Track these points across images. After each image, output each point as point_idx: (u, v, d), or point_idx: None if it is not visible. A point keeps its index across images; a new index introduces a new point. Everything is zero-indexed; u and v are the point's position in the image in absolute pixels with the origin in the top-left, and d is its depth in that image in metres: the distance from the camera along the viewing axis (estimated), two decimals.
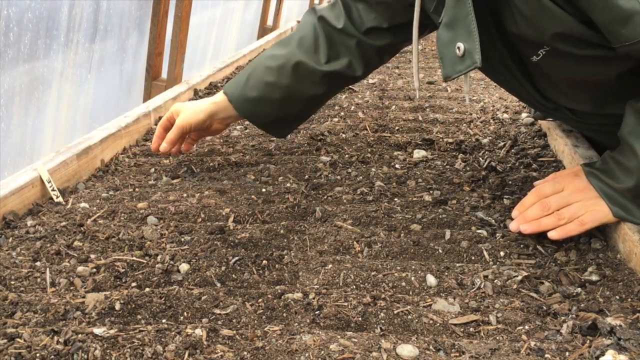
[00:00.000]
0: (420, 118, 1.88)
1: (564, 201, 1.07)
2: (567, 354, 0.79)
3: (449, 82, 2.36)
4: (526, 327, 0.86)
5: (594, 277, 0.98)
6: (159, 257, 1.04)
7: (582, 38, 1.00)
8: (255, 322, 0.88)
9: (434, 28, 1.29)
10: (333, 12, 1.41)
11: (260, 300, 0.91)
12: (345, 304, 0.90)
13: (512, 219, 1.15)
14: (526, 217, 1.09)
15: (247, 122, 1.87)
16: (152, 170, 1.49)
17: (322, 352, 0.78)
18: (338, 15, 1.40)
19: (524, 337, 0.84)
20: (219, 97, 1.44)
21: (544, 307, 0.90)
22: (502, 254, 1.05)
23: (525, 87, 1.23)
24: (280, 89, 1.40)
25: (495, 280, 0.97)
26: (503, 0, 1.05)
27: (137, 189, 1.36)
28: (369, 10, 1.36)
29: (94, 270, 1.00)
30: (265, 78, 1.41)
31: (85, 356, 0.78)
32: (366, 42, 1.38)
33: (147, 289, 0.94)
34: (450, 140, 1.67)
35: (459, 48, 1.04)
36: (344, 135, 1.70)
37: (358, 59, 1.40)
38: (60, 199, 1.28)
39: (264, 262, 1.03)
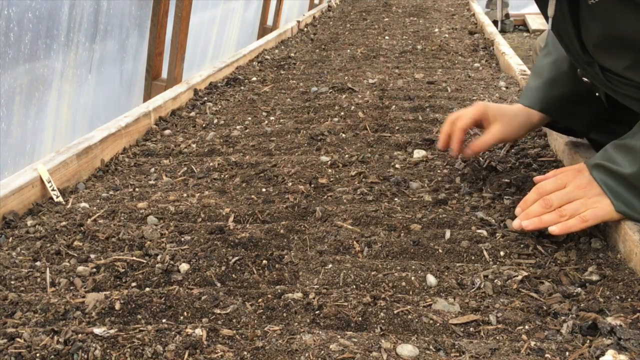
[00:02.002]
0: (420, 118, 1.88)
1: (566, 198, 1.07)
2: (567, 354, 0.79)
3: (449, 82, 2.36)
4: (526, 327, 0.86)
5: (594, 277, 0.98)
6: (159, 257, 1.04)
7: None
8: (255, 322, 0.88)
9: None
10: None
11: (260, 300, 0.91)
12: (345, 303, 0.90)
13: (512, 219, 1.15)
14: (528, 214, 1.09)
15: (246, 122, 1.87)
16: (152, 170, 1.49)
17: (322, 352, 0.78)
18: None
19: (524, 337, 0.84)
20: (520, 107, 1.35)
21: (544, 307, 0.90)
22: (502, 253, 1.05)
23: (569, 30, 1.17)
24: (566, 61, 1.31)
25: (495, 280, 0.97)
26: None
27: (137, 189, 1.36)
28: None
29: (94, 270, 1.00)
30: (546, 61, 1.34)
31: (85, 356, 0.78)
32: None
33: (147, 289, 0.94)
34: None
35: None
36: (344, 135, 1.70)
37: None
38: (60, 199, 1.28)
39: (264, 262, 1.03)
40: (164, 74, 2.65)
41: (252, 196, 1.30)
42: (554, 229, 1.04)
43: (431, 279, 0.97)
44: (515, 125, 1.34)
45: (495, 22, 5.22)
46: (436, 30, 3.67)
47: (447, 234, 1.11)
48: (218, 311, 0.89)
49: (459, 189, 1.33)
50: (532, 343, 0.81)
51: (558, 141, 1.51)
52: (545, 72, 1.35)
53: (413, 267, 1.01)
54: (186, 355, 0.78)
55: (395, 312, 0.88)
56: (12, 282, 0.97)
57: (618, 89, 1.23)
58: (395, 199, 1.29)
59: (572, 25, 1.16)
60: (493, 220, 1.17)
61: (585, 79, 1.45)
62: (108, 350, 0.79)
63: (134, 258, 1.03)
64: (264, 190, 1.34)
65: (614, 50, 1.12)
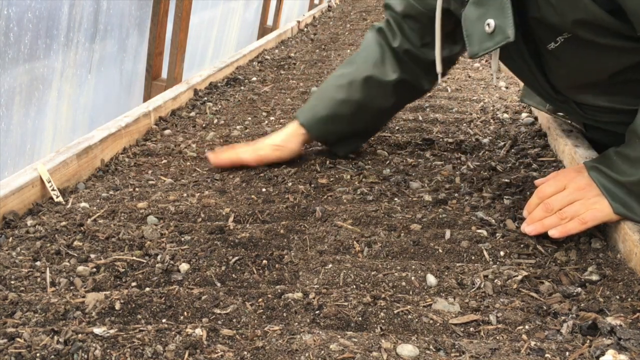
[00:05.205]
0: (420, 118, 1.88)
1: (566, 200, 1.07)
2: (567, 353, 0.79)
3: (449, 82, 2.36)
4: (526, 327, 0.86)
5: (594, 277, 0.98)
6: (159, 257, 1.04)
7: (605, 26, 1.00)
8: (255, 321, 0.88)
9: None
10: (390, 30, 1.46)
11: (260, 300, 0.91)
12: (346, 303, 0.90)
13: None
14: (532, 218, 1.09)
15: (246, 122, 1.87)
16: (152, 170, 1.49)
17: (322, 352, 0.78)
18: (394, 33, 1.44)
19: (524, 337, 0.84)
20: (294, 128, 1.48)
21: (544, 307, 0.90)
22: (502, 253, 1.05)
23: (537, 77, 1.22)
24: (351, 105, 1.45)
25: (495, 280, 0.97)
26: None
27: (137, 189, 1.36)
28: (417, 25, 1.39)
29: (94, 270, 1.00)
30: (336, 96, 1.45)
31: (85, 356, 0.78)
32: (424, 56, 1.42)
33: (147, 289, 0.94)
34: (450, 140, 1.67)
35: (488, 24, 1.05)
36: None
37: (422, 71, 1.45)
38: (60, 199, 1.28)
39: (264, 261, 1.03)
40: (164, 74, 2.65)
41: (252, 196, 1.30)
42: (553, 233, 1.05)
43: (431, 279, 0.97)
44: (285, 150, 1.47)
45: None
46: None
47: (447, 234, 1.11)
48: (218, 311, 0.89)
49: (459, 189, 1.33)
50: (532, 343, 0.81)
51: (558, 141, 1.51)
52: (332, 105, 1.46)
53: (413, 267, 1.01)
54: (186, 355, 0.78)
55: (395, 312, 0.88)
56: (12, 282, 0.97)
57: (598, 118, 1.28)
58: (395, 199, 1.29)
59: (540, 73, 1.20)
60: (493, 220, 1.17)
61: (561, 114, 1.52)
62: (108, 350, 0.79)
63: (134, 258, 1.03)
64: (264, 190, 1.34)
65: (585, 86, 1.17)
